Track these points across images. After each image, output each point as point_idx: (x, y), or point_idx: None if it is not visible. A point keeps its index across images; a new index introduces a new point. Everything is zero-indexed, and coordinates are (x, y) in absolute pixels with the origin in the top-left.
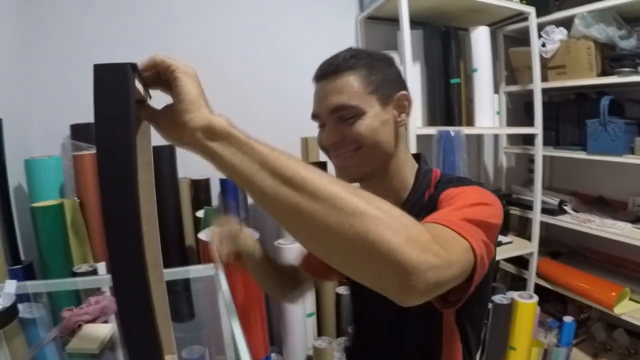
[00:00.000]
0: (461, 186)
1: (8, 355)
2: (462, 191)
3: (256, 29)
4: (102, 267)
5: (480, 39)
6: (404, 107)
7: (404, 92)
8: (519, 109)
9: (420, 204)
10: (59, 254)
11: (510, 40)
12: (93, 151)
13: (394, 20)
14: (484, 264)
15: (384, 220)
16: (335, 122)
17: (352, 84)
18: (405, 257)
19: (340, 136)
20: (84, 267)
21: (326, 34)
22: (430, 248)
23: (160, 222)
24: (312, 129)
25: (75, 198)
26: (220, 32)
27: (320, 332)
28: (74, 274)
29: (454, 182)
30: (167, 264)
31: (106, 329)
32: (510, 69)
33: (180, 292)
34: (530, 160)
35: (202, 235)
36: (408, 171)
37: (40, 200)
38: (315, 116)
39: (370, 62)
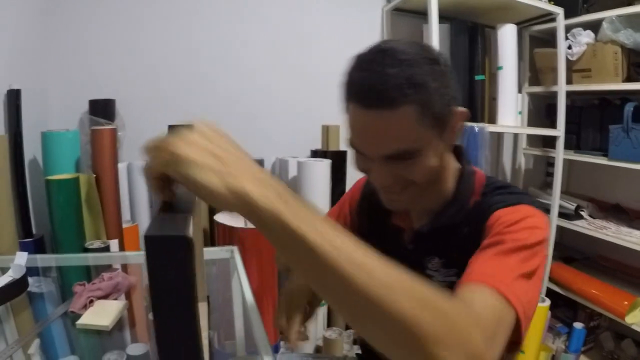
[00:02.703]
0: (512, 205)
1: (14, 329)
2: (515, 220)
3: (281, 17)
4: (114, 244)
5: (507, 37)
6: (460, 125)
7: (461, 108)
8: (540, 111)
9: (464, 211)
10: (71, 229)
11: (535, 40)
12: (111, 126)
13: (421, 13)
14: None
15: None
16: (387, 163)
17: (410, 122)
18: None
19: (393, 178)
20: (96, 244)
21: (351, 23)
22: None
23: None
24: (333, 117)
25: (92, 174)
26: (244, 19)
27: (330, 323)
28: (86, 250)
29: (503, 194)
30: None
31: (118, 306)
32: (534, 70)
33: None
34: (549, 163)
35: (219, 217)
36: (450, 173)
37: (55, 174)
38: (355, 148)
39: (429, 87)
